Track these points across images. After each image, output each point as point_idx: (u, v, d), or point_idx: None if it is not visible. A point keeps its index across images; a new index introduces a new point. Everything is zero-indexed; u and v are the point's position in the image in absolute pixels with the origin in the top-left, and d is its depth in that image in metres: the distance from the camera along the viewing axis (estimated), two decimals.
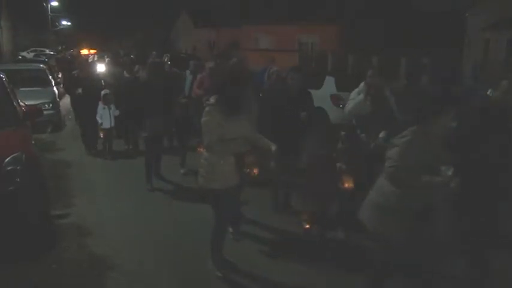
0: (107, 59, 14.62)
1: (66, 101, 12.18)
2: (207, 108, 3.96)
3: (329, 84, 11.38)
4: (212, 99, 3.97)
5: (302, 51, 27.23)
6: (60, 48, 27.22)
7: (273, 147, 4.05)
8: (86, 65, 9.31)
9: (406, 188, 3.30)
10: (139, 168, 6.82)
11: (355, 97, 5.52)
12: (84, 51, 34.22)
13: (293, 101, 5.43)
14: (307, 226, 4.79)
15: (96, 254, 4.62)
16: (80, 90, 8.14)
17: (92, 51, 36.51)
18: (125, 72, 8.76)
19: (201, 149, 7.03)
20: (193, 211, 5.76)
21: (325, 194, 4.55)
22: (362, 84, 5.59)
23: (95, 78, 8.93)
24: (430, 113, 3.33)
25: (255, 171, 3.98)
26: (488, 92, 8.27)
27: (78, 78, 8.40)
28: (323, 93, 10.51)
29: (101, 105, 8.07)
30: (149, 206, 5.98)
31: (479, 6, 21.56)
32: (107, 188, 6.73)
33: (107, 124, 8.14)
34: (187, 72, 10.71)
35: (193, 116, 7.34)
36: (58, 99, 11.50)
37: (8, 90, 6.14)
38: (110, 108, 8.11)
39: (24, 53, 37.23)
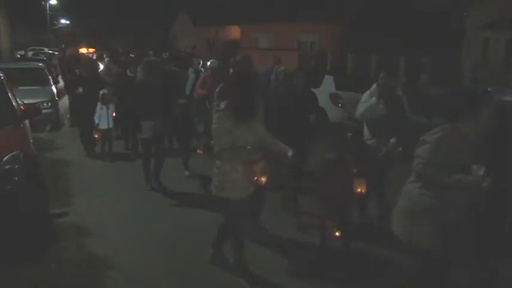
0: (106, 58, 14.57)
1: (65, 100, 12.14)
2: (217, 114, 3.80)
3: (328, 83, 11.38)
4: (222, 105, 3.81)
5: (301, 51, 27.22)
6: (63, 46, 27.15)
7: (290, 153, 3.88)
8: (90, 63, 9.13)
9: (435, 187, 3.19)
10: (139, 168, 6.76)
11: (367, 100, 5.27)
12: (83, 50, 34.13)
13: (298, 101, 5.35)
14: (337, 234, 4.54)
15: (95, 253, 4.59)
16: (80, 90, 7.98)
17: (91, 50, 36.45)
18: (127, 71, 8.63)
19: (200, 151, 7.02)
20: (193, 212, 5.76)
21: (339, 198, 4.43)
22: (374, 86, 5.33)
23: (98, 78, 8.75)
24: (462, 111, 3.24)
25: (263, 179, 3.80)
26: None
27: (80, 77, 8.24)
28: (322, 92, 10.51)
29: (99, 105, 7.91)
30: (149, 206, 5.94)
31: (479, 6, 21.55)
32: (106, 188, 6.69)
33: (104, 125, 7.96)
34: (190, 70, 10.64)
35: (194, 116, 7.26)
36: (57, 98, 11.46)
37: (7, 88, 6.12)
38: (108, 109, 7.94)
39: (22, 52, 37.07)
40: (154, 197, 6.29)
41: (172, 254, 4.61)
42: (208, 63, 8.96)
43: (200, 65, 11.00)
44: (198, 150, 7.06)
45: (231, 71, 5.54)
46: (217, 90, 5.22)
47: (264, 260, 4.45)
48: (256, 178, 3.79)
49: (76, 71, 8.67)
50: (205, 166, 7.16)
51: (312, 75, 11.43)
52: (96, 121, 7.94)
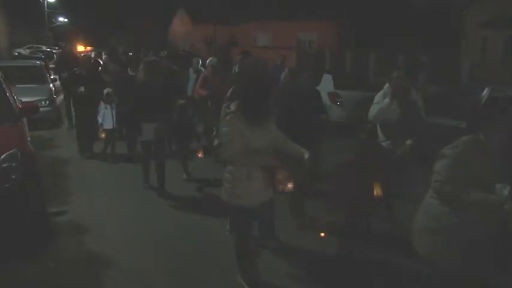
0: (104, 56, 14.45)
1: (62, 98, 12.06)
2: (227, 117, 3.55)
3: (327, 82, 11.34)
4: (233, 106, 3.55)
5: (300, 49, 27.20)
6: (64, 44, 26.97)
7: (306, 155, 3.63)
8: (89, 62, 8.94)
9: (455, 205, 2.93)
10: (138, 168, 6.71)
11: (380, 100, 5.05)
12: (81, 48, 34.05)
13: (303, 100, 5.22)
14: (323, 234, 4.49)
15: (94, 252, 4.56)
16: (82, 89, 7.78)
17: (89, 48, 36.37)
18: (128, 69, 8.47)
19: (200, 154, 6.92)
20: (193, 212, 5.72)
21: (352, 201, 4.31)
22: (386, 85, 5.10)
23: (98, 77, 8.54)
24: (486, 120, 2.95)
25: (290, 186, 3.54)
26: (484, 92, 8.23)
27: (80, 76, 8.02)
28: (321, 91, 10.44)
29: (102, 104, 7.75)
30: (149, 206, 5.90)
31: (478, 5, 21.58)
32: (106, 186, 6.65)
33: (108, 124, 7.78)
34: (191, 70, 10.52)
35: (193, 117, 7.11)
36: (55, 96, 11.40)
37: (4, 86, 6.08)
38: (112, 108, 7.76)
39: (20, 50, 36.98)
40: (154, 197, 6.23)
41: (172, 254, 4.57)
42: (208, 61, 8.89)
43: (199, 64, 10.93)
44: (199, 154, 6.96)
45: (235, 69, 5.42)
46: (229, 92, 5.07)
47: (264, 260, 4.42)
48: (281, 185, 3.55)
49: (75, 69, 8.45)
50: (205, 168, 7.15)
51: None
52: (100, 121, 7.77)
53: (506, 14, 18.90)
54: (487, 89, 8.25)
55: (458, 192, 2.87)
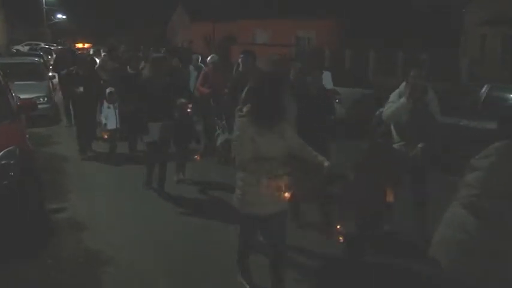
0: (103, 54, 14.35)
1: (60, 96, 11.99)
2: (238, 120, 3.43)
3: (326, 79, 11.29)
4: (245, 109, 3.41)
5: (299, 46, 27.17)
6: (62, 41, 26.53)
7: (326, 163, 3.45)
8: (87, 61, 8.71)
9: (494, 222, 2.60)
10: (138, 166, 6.66)
11: (395, 100, 4.80)
12: (79, 45, 34.02)
13: (313, 100, 5.08)
14: (341, 239, 4.39)
15: (94, 251, 4.52)
16: (81, 89, 7.56)
17: (87, 45, 36.34)
18: (128, 67, 8.37)
19: (198, 157, 6.82)
20: (193, 212, 5.69)
21: (361, 204, 4.22)
22: (403, 85, 4.84)
23: (95, 76, 8.35)
24: None
25: (286, 195, 3.37)
26: (483, 90, 8.21)
27: (77, 76, 7.80)
28: None
29: (105, 104, 7.62)
30: (148, 205, 5.85)
31: (477, 4, 21.58)
32: (105, 186, 6.59)
33: (112, 124, 7.62)
34: (191, 68, 10.40)
35: (193, 116, 6.99)
36: (53, 93, 11.35)
37: (3, 83, 6.05)
38: (115, 108, 7.59)
39: (18, 47, 36.93)
40: (154, 197, 6.16)
41: (172, 254, 4.54)
42: (208, 58, 8.81)
43: (199, 61, 10.86)
44: (196, 156, 6.85)
45: (238, 68, 5.27)
46: (243, 94, 4.94)
47: (264, 260, 4.38)
48: (279, 194, 3.39)
49: (71, 69, 8.16)
50: (207, 169, 7.11)
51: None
52: (104, 121, 7.64)
53: (505, 13, 18.89)
54: (486, 86, 8.24)
55: (498, 207, 2.56)
